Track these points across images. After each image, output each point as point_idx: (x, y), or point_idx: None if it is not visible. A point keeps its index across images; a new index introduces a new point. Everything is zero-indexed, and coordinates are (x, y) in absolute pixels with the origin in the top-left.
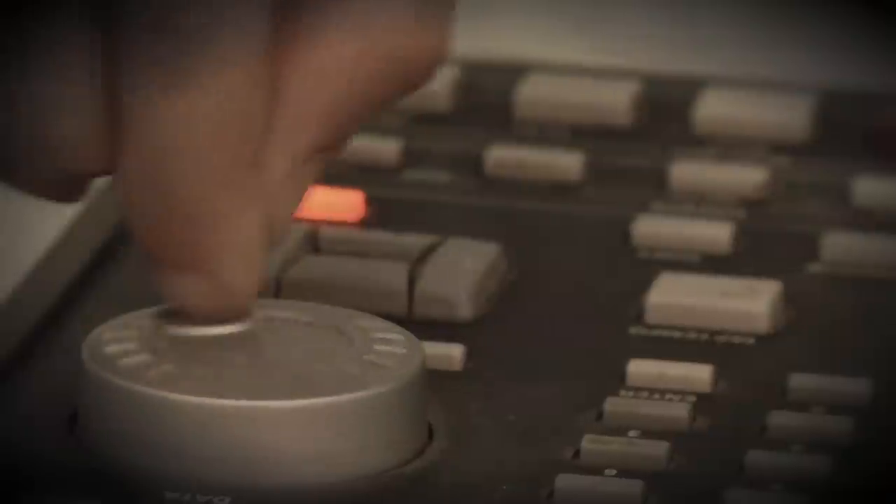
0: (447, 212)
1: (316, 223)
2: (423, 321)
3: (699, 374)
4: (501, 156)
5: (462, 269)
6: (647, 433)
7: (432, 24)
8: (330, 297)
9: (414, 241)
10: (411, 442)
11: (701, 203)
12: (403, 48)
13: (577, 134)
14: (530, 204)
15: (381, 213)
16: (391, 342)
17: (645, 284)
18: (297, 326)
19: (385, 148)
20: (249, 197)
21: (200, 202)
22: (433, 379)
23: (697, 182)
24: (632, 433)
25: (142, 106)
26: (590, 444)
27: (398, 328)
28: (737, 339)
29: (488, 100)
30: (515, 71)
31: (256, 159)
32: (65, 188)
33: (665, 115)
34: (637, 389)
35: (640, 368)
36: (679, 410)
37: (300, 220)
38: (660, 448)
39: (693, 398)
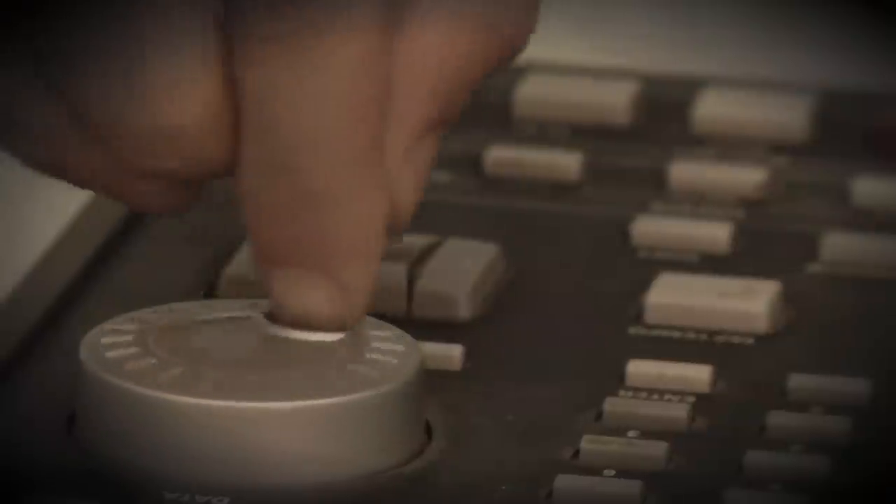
0: (446, 212)
1: None
2: (423, 321)
3: (698, 375)
4: (501, 155)
5: (461, 269)
6: (647, 433)
7: None
8: None
9: (413, 240)
10: (410, 442)
11: (700, 203)
12: (503, 21)
13: (577, 134)
14: (530, 204)
15: None
16: (389, 342)
17: (644, 284)
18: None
19: None
20: (378, 181)
21: (328, 187)
22: (432, 379)
23: (697, 182)
24: (631, 433)
25: (264, 87)
26: (589, 444)
27: (396, 329)
28: (736, 340)
29: (488, 100)
30: (515, 71)
31: (382, 139)
32: (177, 192)
33: (664, 115)
34: (636, 390)
35: (639, 369)
36: (678, 411)
37: None
38: (659, 448)
39: (692, 398)
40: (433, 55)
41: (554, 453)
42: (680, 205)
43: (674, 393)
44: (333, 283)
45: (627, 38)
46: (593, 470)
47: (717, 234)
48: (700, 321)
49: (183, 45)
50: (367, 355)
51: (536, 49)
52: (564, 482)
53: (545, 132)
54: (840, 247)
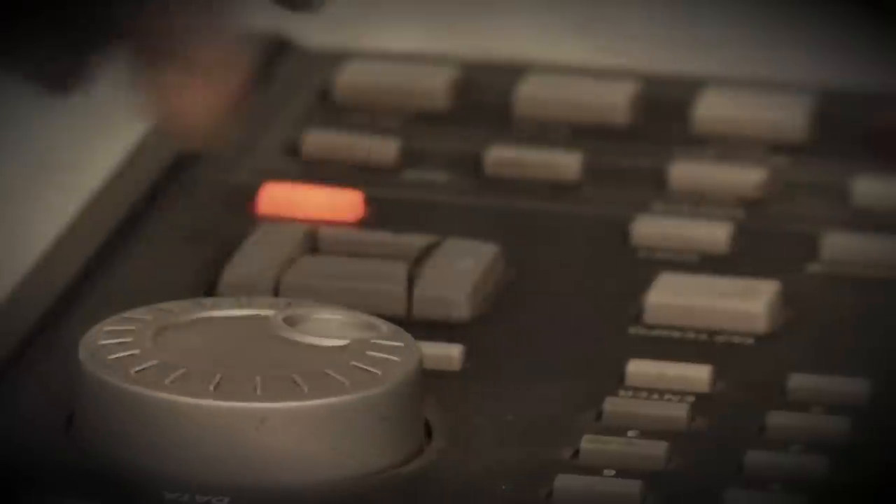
0: (446, 212)
1: (315, 223)
2: (422, 321)
3: (698, 374)
4: (500, 155)
5: (461, 270)
6: (646, 433)
7: None
8: (328, 297)
9: (413, 241)
10: (410, 442)
11: (700, 203)
12: None
13: (577, 134)
14: (529, 204)
15: (379, 213)
16: (389, 342)
17: (644, 284)
18: (296, 327)
19: (384, 148)
20: None
21: None
22: (432, 379)
23: (696, 182)
24: (631, 433)
25: None
26: (589, 444)
27: (396, 328)
28: (736, 339)
29: (488, 100)
30: (515, 71)
31: None
32: None
33: (664, 114)
34: (636, 389)
35: (639, 368)
36: (678, 410)
37: (299, 220)
38: (658, 448)
39: (692, 398)
40: None
41: (554, 453)
42: (680, 205)
43: (674, 393)
44: None
45: (627, 38)
46: (593, 470)
47: (716, 233)
48: (700, 321)
49: None
50: (368, 355)
51: (536, 49)
52: (564, 482)
53: (545, 132)
54: (840, 247)
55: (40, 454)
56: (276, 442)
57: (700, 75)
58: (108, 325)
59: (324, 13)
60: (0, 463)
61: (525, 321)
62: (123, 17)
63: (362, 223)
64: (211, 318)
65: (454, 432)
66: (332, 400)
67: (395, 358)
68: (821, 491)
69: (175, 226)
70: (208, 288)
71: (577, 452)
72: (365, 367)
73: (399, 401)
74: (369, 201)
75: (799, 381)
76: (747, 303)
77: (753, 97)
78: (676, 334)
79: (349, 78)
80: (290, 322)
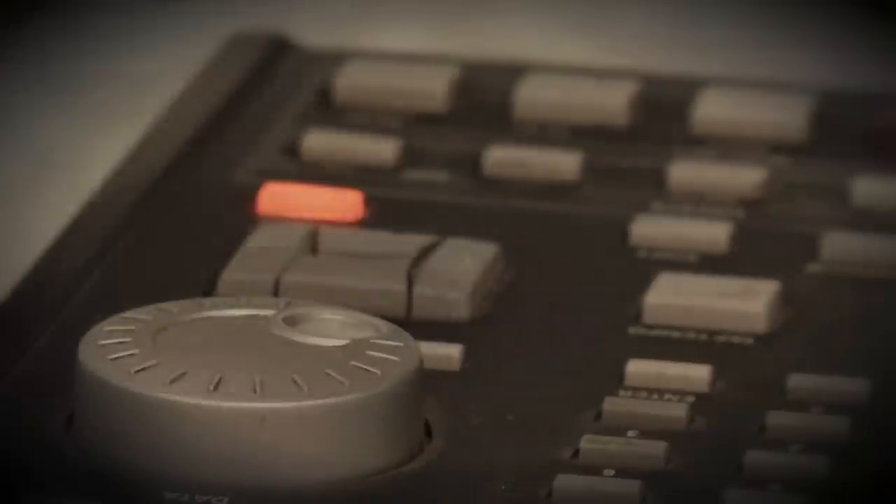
0: (446, 212)
1: (315, 223)
2: (422, 321)
3: (698, 374)
4: (500, 156)
5: (461, 270)
6: (646, 433)
7: None
8: (328, 297)
9: (413, 241)
10: (409, 442)
11: (700, 203)
12: None
13: (576, 134)
14: (529, 204)
15: (379, 213)
16: (389, 342)
17: (643, 284)
18: (296, 327)
19: (384, 148)
20: None
21: None
22: (432, 379)
23: (696, 182)
24: (630, 433)
25: None
26: (588, 443)
27: (395, 328)
28: (735, 339)
29: (488, 100)
30: (515, 71)
31: None
32: None
33: (664, 115)
34: (636, 389)
35: (638, 368)
36: (677, 410)
37: (299, 220)
38: (658, 448)
39: (691, 398)
40: None
41: (553, 453)
42: (679, 205)
43: (673, 393)
44: None
45: (627, 38)
46: (593, 469)
47: (716, 233)
48: (699, 321)
49: None
50: (367, 355)
51: (536, 49)
52: (564, 482)
53: (545, 132)
54: (840, 247)
55: (40, 454)
56: (276, 442)
57: (700, 75)
58: (108, 325)
59: (323, 13)
60: (0, 463)
61: (525, 321)
62: None
63: (362, 223)
64: (211, 318)
65: (454, 432)
66: (332, 400)
67: (394, 358)
68: (820, 491)
69: (175, 226)
70: (208, 288)
71: (576, 452)
72: (365, 367)
73: (399, 401)
74: (369, 201)
75: (798, 381)
76: (747, 303)
77: (753, 97)
78: (676, 334)
79: (349, 78)
80: (290, 322)
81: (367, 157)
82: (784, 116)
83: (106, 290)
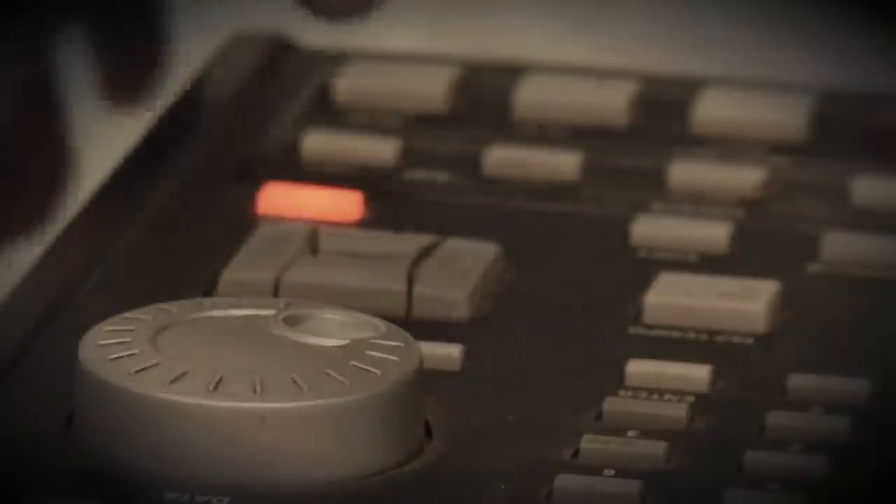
0: (446, 212)
1: (314, 223)
2: (422, 321)
3: (698, 374)
4: (501, 156)
5: (461, 270)
6: (646, 433)
7: None
8: (328, 297)
9: (412, 241)
10: (409, 442)
11: (700, 203)
12: None
13: (577, 134)
14: (529, 204)
15: (380, 214)
16: (389, 342)
17: (644, 284)
18: (296, 327)
19: (384, 148)
20: None
21: None
22: (432, 379)
23: (696, 182)
24: (630, 433)
25: None
26: (588, 443)
27: (396, 328)
28: (735, 339)
29: (488, 100)
30: (515, 71)
31: None
32: None
33: (664, 115)
34: (636, 389)
35: (638, 368)
36: (677, 410)
37: (299, 220)
38: (658, 448)
39: (691, 398)
40: None
41: (554, 453)
42: (679, 205)
43: (673, 393)
44: None
45: (627, 38)
46: (593, 469)
47: (716, 233)
48: (700, 321)
49: None
50: (368, 355)
51: (536, 49)
52: (564, 482)
53: (545, 132)
54: (840, 247)
55: (40, 454)
56: (276, 442)
57: (700, 75)
58: (108, 325)
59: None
60: (0, 463)
61: (525, 321)
62: None
63: (362, 223)
64: (211, 318)
65: (454, 432)
66: (332, 400)
67: (395, 358)
68: (820, 491)
69: (175, 226)
70: (208, 288)
71: (576, 452)
72: (365, 367)
73: (399, 401)
74: (370, 201)
75: (799, 381)
76: (747, 303)
77: (753, 97)
78: (676, 334)
79: (349, 78)
80: (290, 322)
81: (368, 157)
82: (784, 116)
83: (106, 290)
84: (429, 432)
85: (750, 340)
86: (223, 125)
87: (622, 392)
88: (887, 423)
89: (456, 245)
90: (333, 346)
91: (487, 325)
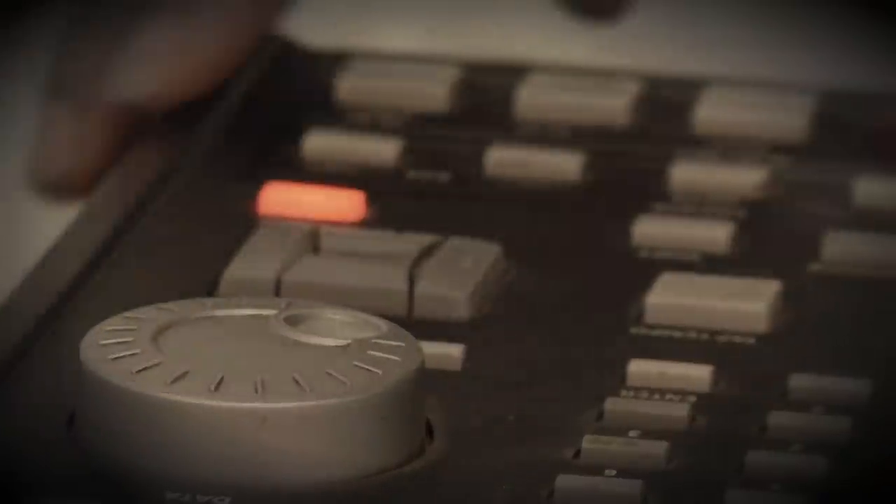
0: (447, 212)
1: (316, 223)
2: (423, 321)
3: (699, 374)
4: (502, 156)
5: (462, 270)
6: (647, 433)
7: None
8: (329, 297)
9: (414, 240)
10: (411, 442)
11: (701, 203)
12: None
13: (578, 134)
14: (530, 204)
15: (381, 213)
16: (390, 342)
17: (645, 284)
18: (297, 327)
19: (385, 148)
20: None
21: None
22: (433, 379)
23: (697, 182)
24: (632, 433)
25: None
26: (590, 443)
27: (397, 328)
28: (737, 339)
29: (489, 100)
30: (515, 71)
31: None
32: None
33: (665, 115)
34: (637, 389)
35: (640, 368)
36: (679, 410)
37: (300, 220)
38: (659, 448)
39: (693, 398)
40: None
41: (555, 453)
42: (680, 205)
43: (675, 393)
44: None
45: (628, 38)
46: (594, 469)
47: (717, 234)
48: (701, 321)
49: None
50: (369, 355)
51: (537, 49)
52: (565, 482)
53: (546, 132)
54: (841, 247)
55: (41, 454)
56: (277, 442)
57: (700, 76)
58: (108, 325)
59: (324, 13)
60: (0, 463)
61: (526, 321)
62: None
63: (363, 223)
64: (212, 318)
65: (455, 432)
66: (334, 400)
67: (396, 358)
68: (821, 491)
69: (176, 225)
70: (209, 288)
71: (578, 452)
72: (366, 366)
73: (400, 401)
74: (371, 201)
75: (799, 381)
76: (748, 303)
77: (754, 97)
78: (677, 334)
79: (350, 78)
80: (292, 322)
81: (369, 157)
82: (784, 116)
83: (106, 290)
84: (430, 432)
85: (751, 340)
86: (225, 124)
87: (623, 392)
88: (887, 423)
89: (457, 245)
90: (335, 346)
91: (488, 324)
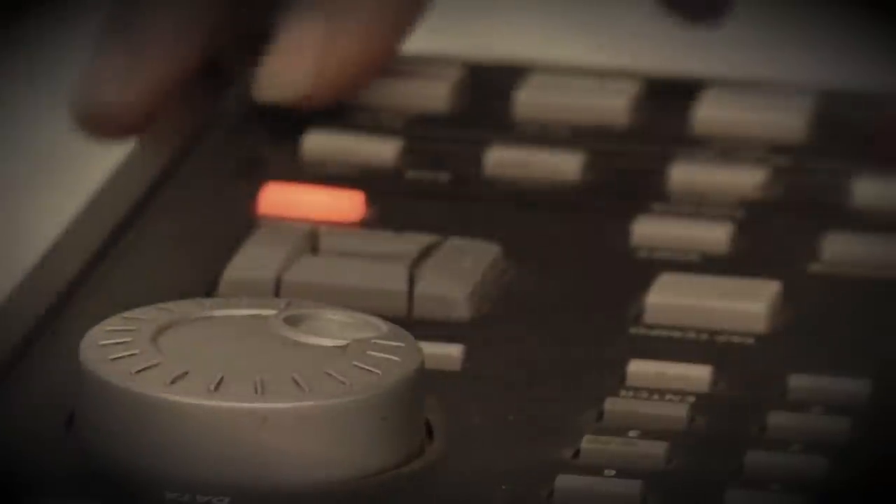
0: (447, 212)
1: (316, 223)
2: (423, 321)
3: (698, 374)
4: (502, 156)
5: (462, 270)
6: (647, 433)
7: None
8: (329, 298)
9: (413, 241)
10: (410, 442)
11: (700, 203)
12: None
13: (577, 134)
14: (529, 204)
15: (380, 213)
16: (390, 342)
17: (644, 284)
18: (297, 327)
19: (385, 148)
20: None
21: None
22: (433, 379)
23: (697, 182)
24: (631, 433)
25: None
26: (589, 444)
27: (396, 328)
28: (736, 340)
29: (489, 100)
30: (515, 71)
31: None
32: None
33: (664, 115)
34: (637, 389)
35: (639, 368)
36: (678, 410)
37: (299, 220)
38: (659, 448)
39: (692, 398)
40: None
41: (554, 453)
42: (680, 205)
43: (674, 393)
44: None
45: (627, 38)
46: (594, 470)
47: (717, 234)
48: (700, 321)
49: None
50: (368, 355)
51: (537, 49)
52: (565, 482)
53: (546, 132)
54: (840, 247)
55: (40, 454)
56: (277, 442)
57: (700, 76)
58: (108, 325)
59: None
60: (0, 463)
61: (526, 321)
62: None
63: (363, 223)
64: (211, 318)
65: (455, 432)
66: (333, 400)
67: (395, 358)
68: (821, 491)
69: (175, 226)
70: (208, 288)
71: (577, 452)
72: (366, 367)
73: (400, 401)
74: (371, 201)
75: (799, 381)
76: (748, 303)
77: (753, 97)
78: (677, 334)
79: None
80: (291, 322)
81: (368, 156)
82: (784, 116)
83: (106, 290)
84: (429, 432)
85: (750, 340)
86: (224, 125)
87: (623, 392)
88: (887, 423)
89: (457, 245)
90: (334, 346)
91: (488, 325)
